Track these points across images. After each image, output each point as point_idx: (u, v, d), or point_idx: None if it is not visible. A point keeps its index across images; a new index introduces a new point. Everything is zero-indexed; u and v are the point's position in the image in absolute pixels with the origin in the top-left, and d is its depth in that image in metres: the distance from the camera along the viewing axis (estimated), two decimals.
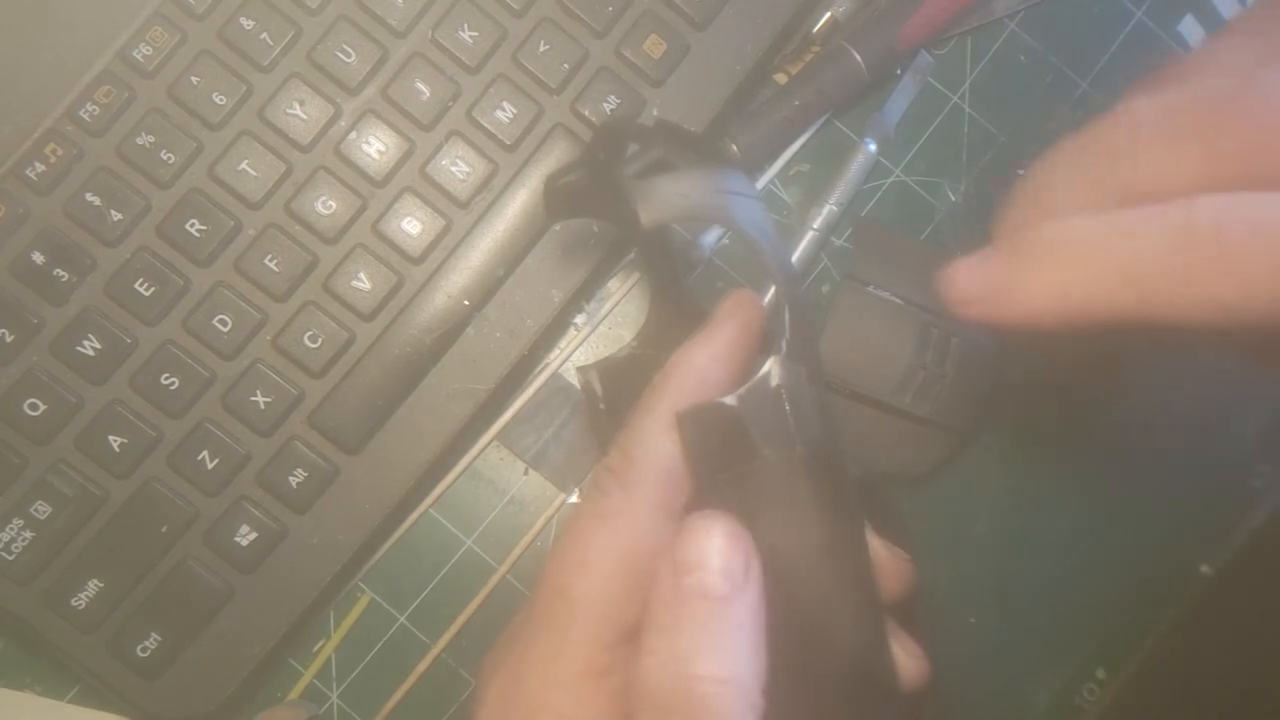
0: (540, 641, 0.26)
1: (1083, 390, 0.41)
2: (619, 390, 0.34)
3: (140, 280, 0.37)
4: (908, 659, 0.27)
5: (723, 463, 0.26)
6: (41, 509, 0.36)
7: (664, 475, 0.26)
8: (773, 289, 0.40)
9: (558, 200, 0.33)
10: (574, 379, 0.40)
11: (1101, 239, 0.22)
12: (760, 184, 0.41)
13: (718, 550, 0.24)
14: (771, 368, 0.26)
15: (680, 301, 0.33)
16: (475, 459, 0.40)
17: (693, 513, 0.25)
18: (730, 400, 0.26)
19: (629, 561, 0.25)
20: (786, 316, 0.27)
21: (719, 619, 0.23)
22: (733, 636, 0.23)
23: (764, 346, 0.28)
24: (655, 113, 0.38)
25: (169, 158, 0.37)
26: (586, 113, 0.38)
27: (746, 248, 0.28)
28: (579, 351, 0.40)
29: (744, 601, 0.23)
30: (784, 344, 0.26)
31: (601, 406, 0.34)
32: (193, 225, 0.37)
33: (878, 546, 0.28)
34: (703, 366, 0.27)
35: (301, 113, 0.37)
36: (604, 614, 0.25)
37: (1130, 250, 0.21)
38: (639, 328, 0.39)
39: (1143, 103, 0.21)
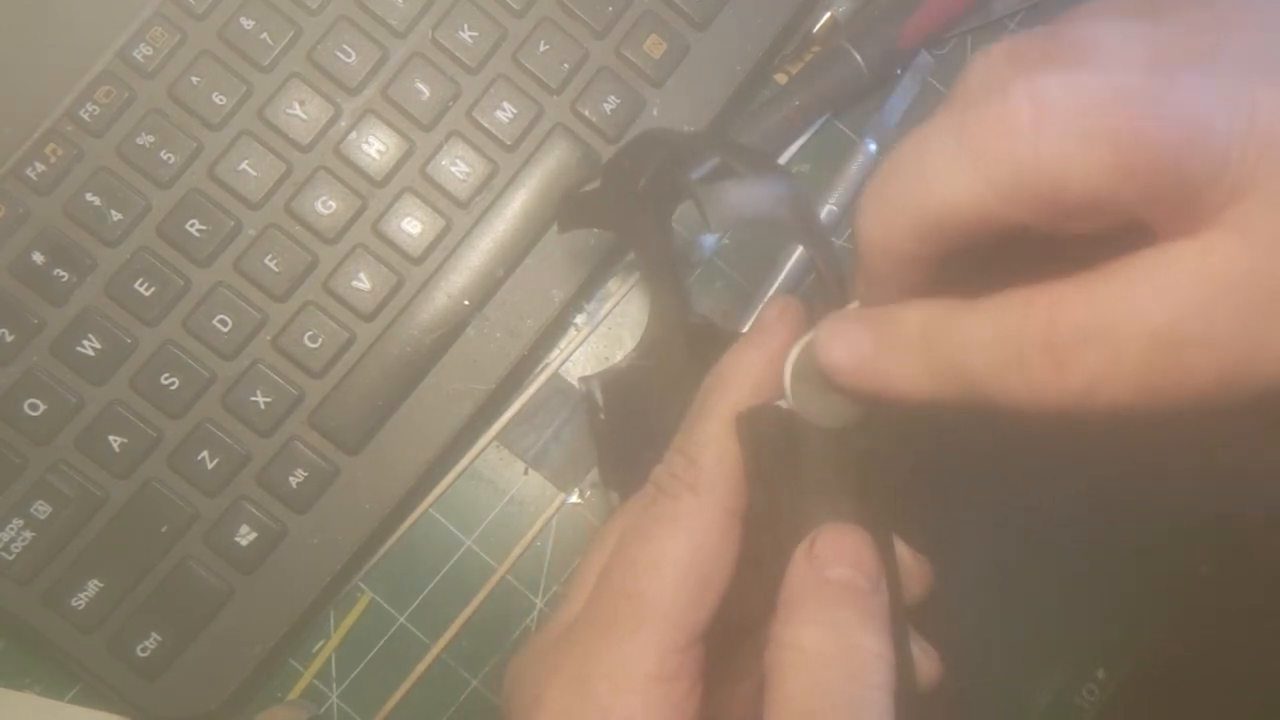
0: (608, 644, 0.26)
1: None
2: (619, 400, 0.34)
3: (140, 280, 0.37)
4: (925, 660, 0.28)
5: (775, 464, 0.26)
6: (41, 509, 0.36)
7: (730, 478, 0.26)
8: (773, 289, 0.40)
9: (575, 210, 0.33)
10: (575, 379, 0.40)
11: (948, 334, 0.22)
12: None
13: (860, 552, 0.25)
14: None
15: (681, 313, 0.34)
16: (475, 459, 0.40)
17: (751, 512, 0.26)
18: (785, 403, 0.26)
19: (699, 564, 0.26)
20: None
21: (868, 606, 0.25)
22: (880, 623, 0.25)
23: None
24: (655, 113, 0.38)
25: (169, 158, 0.37)
26: (586, 113, 0.38)
27: (814, 255, 0.28)
28: (579, 352, 0.40)
29: (879, 599, 0.25)
30: None
31: (602, 416, 0.34)
32: (193, 225, 0.37)
33: (903, 550, 0.28)
34: (759, 370, 0.27)
35: (301, 113, 0.37)
36: (676, 617, 0.25)
37: (971, 354, 0.22)
38: (640, 334, 0.39)
39: (1052, 83, 0.20)
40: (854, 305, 0.25)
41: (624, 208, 0.33)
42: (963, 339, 0.22)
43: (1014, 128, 0.20)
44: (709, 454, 0.27)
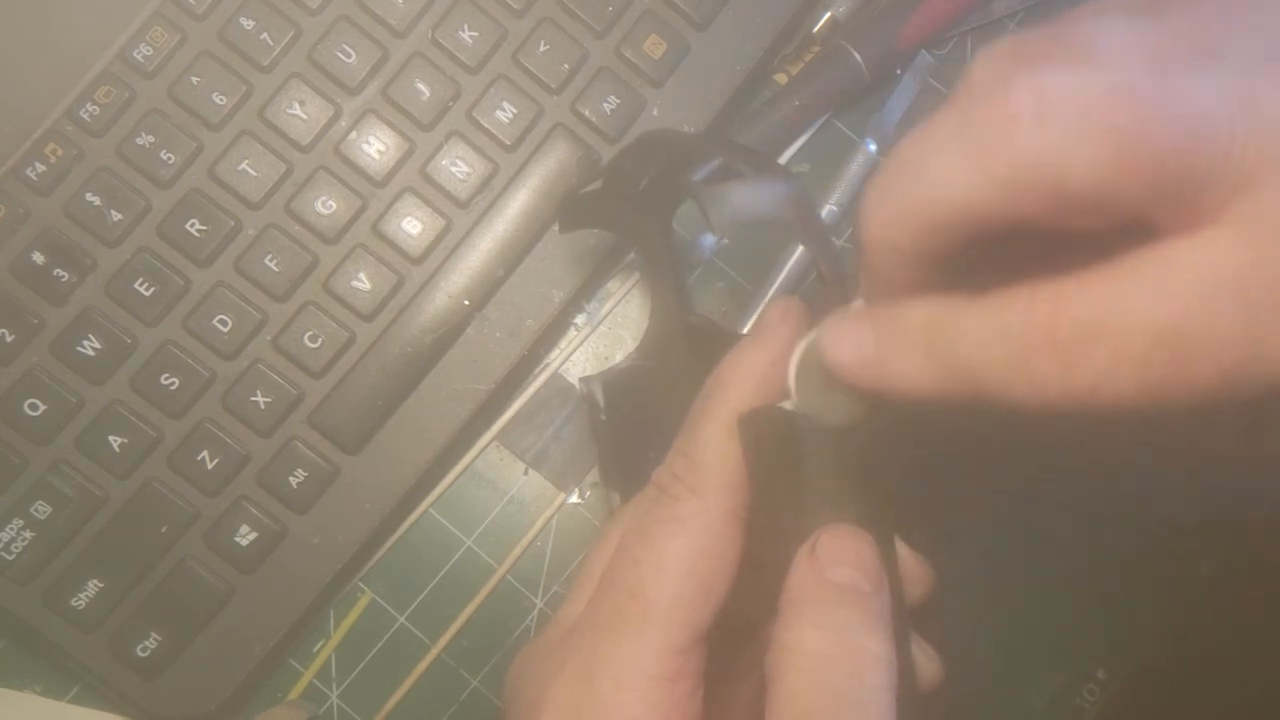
0: (612, 644, 0.26)
1: None
2: (620, 400, 0.34)
3: (140, 280, 0.37)
4: (926, 662, 0.28)
5: (776, 466, 0.26)
6: (41, 509, 0.36)
7: (731, 479, 0.27)
8: (773, 289, 0.40)
9: (577, 212, 0.33)
10: (575, 379, 0.40)
11: (951, 331, 0.22)
12: None
13: (862, 553, 0.25)
14: None
15: (682, 314, 0.34)
16: (475, 459, 0.40)
17: (758, 515, 0.27)
18: (789, 405, 0.26)
19: (703, 564, 0.26)
20: None
21: (871, 608, 0.25)
22: (882, 624, 0.25)
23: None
24: (655, 113, 0.38)
25: (169, 158, 0.37)
26: (586, 113, 0.38)
27: (817, 256, 0.28)
28: (579, 352, 0.40)
29: (882, 601, 0.25)
30: None
31: (603, 416, 0.34)
32: (193, 225, 0.37)
33: (905, 553, 0.28)
34: (762, 371, 0.27)
35: (301, 113, 0.37)
36: (678, 617, 0.26)
37: (974, 351, 0.22)
38: (640, 334, 0.39)
39: (1055, 79, 0.20)
40: (858, 303, 0.25)
41: (625, 209, 0.33)
42: (966, 336, 0.22)
43: (1016, 123, 0.20)
44: (711, 455, 0.27)
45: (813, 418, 0.26)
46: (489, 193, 0.38)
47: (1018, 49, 0.22)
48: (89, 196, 0.37)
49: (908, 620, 0.27)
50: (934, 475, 0.39)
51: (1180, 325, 0.19)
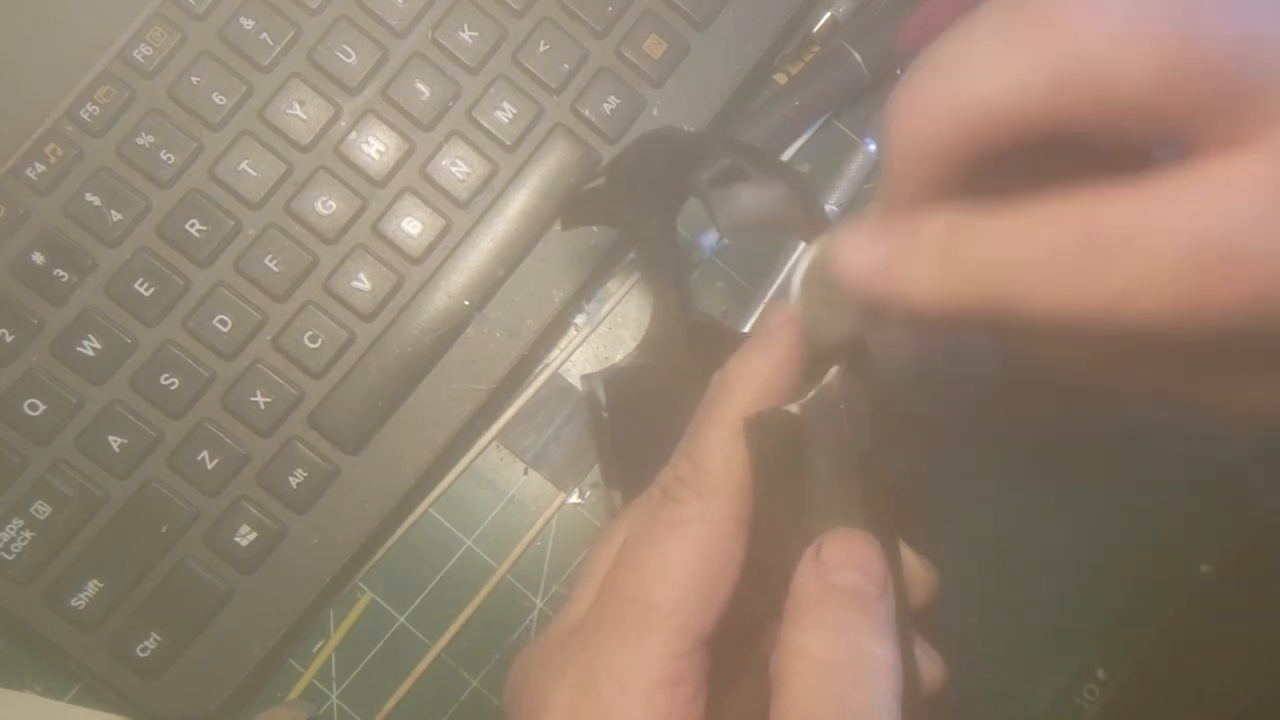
0: (615, 648, 0.26)
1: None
2: (621, 399, 0.34)
3: (140, 280, 0.37)
4: (929, 664, 0.28)
5: (781, 469, 0.26)
6: (41, 509, 0.36)
7: (736, 483, 0.26)
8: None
9: (579, 208, 0.33)
10: (575, 379, 0.40)
11: (973, 238, 0.21)
12: None
13: (867, 557, 0.25)
14: (834, 379, 0.26)
15: (683, 312, 0.34)
16: (475, 459, 0.40)
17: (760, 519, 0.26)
18: (794, 408, 0.26)
19: (707, 569, 0.26)
20: None
21: (876, 612, 0.25)
22: (887, 628, 0.25)
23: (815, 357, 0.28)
24: (655, 113, 0.38)
25: (169, 158, 0.37)
26: (586, 113, 0.38)
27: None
28: (579, 352, 0.40)
29: (886, 605, 0.25)
30: (847, 356, 0.27)
31: (604, 415, 0.34)
32: (193, 225, 0.37)
33: (907, 555, 0.28)
34: (767, 374, 0.27)
35: (301, 113, 0.37)
36: (682, 622, 0.25)
37: (998, 254, 0.20)
38: (640, 334, 0.39)
39: None
40: (873, 209, 0.24)
41: (629, 207, 0.33)
42: (989, 241, 0.20)
43: (1068, 20, 0.19)
44: (715, 459, 0.27)
45: (814, 332, 0.25)
46: (489, 193, 0.38)
47: None
48: (89, 196, 0.37)
49: (911, 623, 0.27)
50: (933, 476, 0.39)
51: (1217, 238, 0.18)
